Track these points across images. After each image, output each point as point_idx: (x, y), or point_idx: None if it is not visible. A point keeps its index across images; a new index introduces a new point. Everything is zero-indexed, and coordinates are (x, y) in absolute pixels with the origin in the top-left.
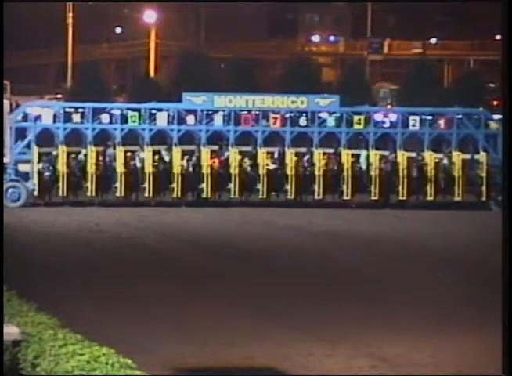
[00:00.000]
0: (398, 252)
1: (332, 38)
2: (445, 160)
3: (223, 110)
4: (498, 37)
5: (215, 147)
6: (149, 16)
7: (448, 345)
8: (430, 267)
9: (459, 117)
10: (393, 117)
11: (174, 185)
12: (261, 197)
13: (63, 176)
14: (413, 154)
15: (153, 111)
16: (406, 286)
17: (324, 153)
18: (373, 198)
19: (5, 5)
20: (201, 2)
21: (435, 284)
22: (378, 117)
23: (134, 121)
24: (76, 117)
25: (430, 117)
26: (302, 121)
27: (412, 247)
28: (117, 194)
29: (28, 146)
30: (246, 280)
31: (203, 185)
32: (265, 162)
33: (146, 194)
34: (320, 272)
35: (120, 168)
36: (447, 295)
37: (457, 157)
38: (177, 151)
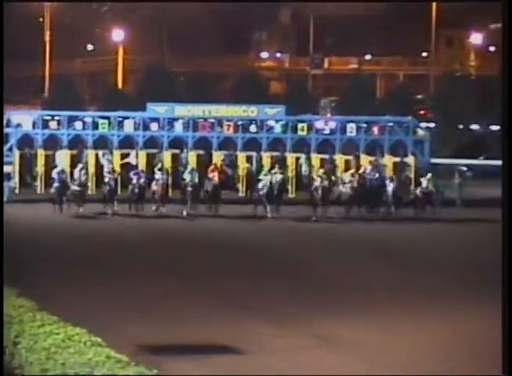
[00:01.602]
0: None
1: (278, 55)
2: (379, 163)
3: (183, 118)
4: (424, 54)
5: (176, 151)
6: (117, 34)
7: (382, 325)
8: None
9: (391, 124)
10: (332, 124)
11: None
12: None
13: (41, 176)
14: (350, 157)
15: (121, 119)
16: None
17: (271, 157)
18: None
19: None
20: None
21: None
22: (319, 124)
23: (104, 128)
24: (53, 124)
25: (365, 125)
26: (252, 128)
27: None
28: (89, 192)
29: (10, 149)
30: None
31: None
32: (219, 164)
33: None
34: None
35: (91, 168)
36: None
37: (389, 160)
38: (142, 154)
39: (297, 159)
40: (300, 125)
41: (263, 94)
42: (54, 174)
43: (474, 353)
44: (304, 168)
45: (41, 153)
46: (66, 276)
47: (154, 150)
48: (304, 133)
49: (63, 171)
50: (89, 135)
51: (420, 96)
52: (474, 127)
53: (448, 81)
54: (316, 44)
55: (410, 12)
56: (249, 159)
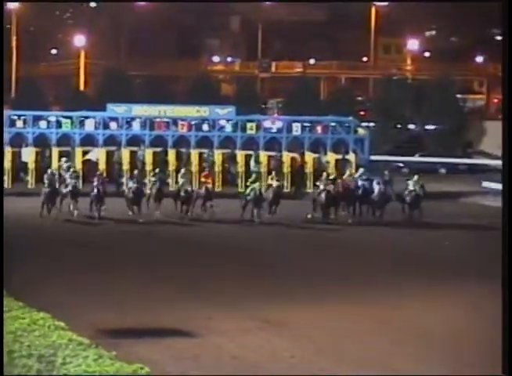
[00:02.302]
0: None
1: (229, 59)
2: (322, 160)
3: (140, 118)
4: (364, 59)
5: (134, 148)
6: (79, 40)
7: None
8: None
9: (333, 124)
10: (279, 124)
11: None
12: (171, 189)
13: (7, 171)
14: (296, 154)
15: (83, 118)
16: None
17: (223, 154)
18: None
19: None
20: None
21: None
22: (267, 123)
23: (67, 127)
24: (19, 123)
25: (309, 124)
26: (205, 127)
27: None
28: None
29: None
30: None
31: (124, 179)
32: (173, 160)
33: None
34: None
35: (54, 164)
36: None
37: (331, 157)
38: (102, 152)
39: (247, 156)
40: (249, 125)
41: (215, 95)
42: (45, 178)
43: (421, 341)
44: (253, 165)
45: (7, 150)
46: (32, 265)
47: (113, 148)
48: (253, 132)
49: (52, 174)
50: (53, 134)
51: (360, 98)
52: (411, 126)
53: (386, 84)
54: (264, 49)
55: (351, 20)
56: (201, 156)
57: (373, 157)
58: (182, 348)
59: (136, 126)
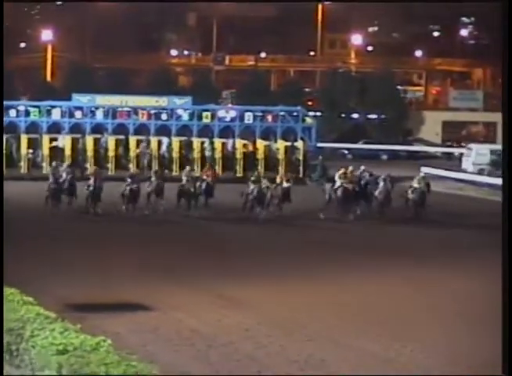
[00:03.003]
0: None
1: (186, 53)
2: (273, 147)
3: (103, 107)
4: (311, 53)
5: (98, 136)
6: (46, 34)
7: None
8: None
9: (283, 113)
10: (232, 113)
11: (66, 163)
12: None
13: None
14: (248, 142)
15: (50, 107)
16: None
17: (180, 141)
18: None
19: None
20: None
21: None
22: (221, 113)
23: (35, 115)
24: None
25: (260, 114)
26: (163, 116)
27: None
28: (22, 171)
29: None
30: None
31: (88, 164)
32: (134, 147)
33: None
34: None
35: (23, 151)
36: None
37: (281, 144)
38: (68, 139)
39: (202, 143)
40: (204, 114)
41: (173, 87)
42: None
43: (369, 317)
44: (208, 151)
45: None
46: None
47: (78, 135)
48: (208, 121)
49: (56, 168)
50: (22, 122)
51: (307, 89)
52: (355, 116)
53: (332, 77)
54: (219, 44)
55: (299, 17)
56: (160, 143)
57: (320, 144)
58: (143, 322)
59: (100, 115)
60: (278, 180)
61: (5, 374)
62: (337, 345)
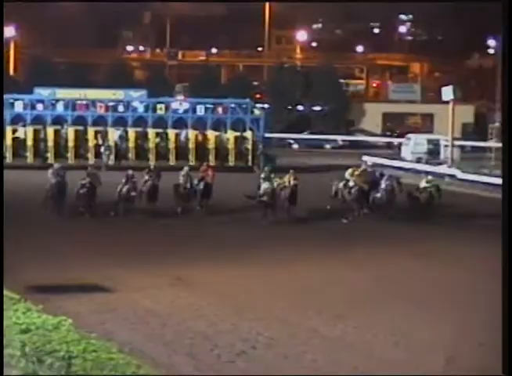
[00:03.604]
0: None
1: (141, 48)
2: (223, 137)
3: (63, 100)
4: (259, 48)
5: (58, 127)
6: (9, 31)
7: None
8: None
9: (232, 105)
10: (185, 105)
11: (28, 153)
12: (90, 162)
13: None
14: (199, 132)
15: (13, 100)
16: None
17: (136, 132)
18: (171, 164)
19: None
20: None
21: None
22: (175, 105)
23: None
24: None
25: (211, 106)
26: (120, 108)
27: None
28: None
29: None
30: None
31: (49, 154)
32: (93, 138)
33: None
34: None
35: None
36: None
37: (231, 134)
38: (30, 130)
39: (157, 134)
40: (159, 106)
41: (129, 80)
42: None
43: (307, 295)
44: (164, 141)
45: None
46: None
47: (40, 127)
48: (163, 112)
49: (62, 169)
50: None
51: (255, 83)
52: (300, 108)
53: (278, 71)
54: (172, 40)
55: (248, 15)
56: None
57: (268, 135)
58: (102, 302)
59: (60, 107)
60: (286, 179)
61: None
62: (285, 324)
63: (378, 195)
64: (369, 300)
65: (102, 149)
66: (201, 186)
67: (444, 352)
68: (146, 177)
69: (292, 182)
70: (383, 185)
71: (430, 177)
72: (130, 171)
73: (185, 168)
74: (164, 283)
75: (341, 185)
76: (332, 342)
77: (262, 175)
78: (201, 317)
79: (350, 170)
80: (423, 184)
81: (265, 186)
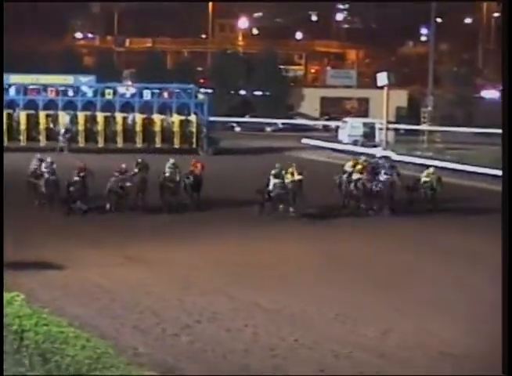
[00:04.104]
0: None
1: (90, 36)
2: (168, 120)
3: (15, 85)
4: (203, 36)
5: (10, 111)
6: None
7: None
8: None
9: (178, 90)
10: (132, 90)
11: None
12: (41, 144)
13: None
14: (146, 116)
15: None
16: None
17: (85, 115)
18: (119, 146)
19: None
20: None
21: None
22: (122, 90)
23: None
24: None
25: (157, 91)
26: (70, 93)
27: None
28: None
29: None
30: None
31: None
32: (43, 121)
33: None
34: None
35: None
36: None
37: (176, 118)
38: None
39: (105, 117)
40: (107, 91)
41: (78, 66)
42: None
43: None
44: (112, 124)
45: None
46: None
47: None
48: (111, 97)
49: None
50: None
51: (200, 69)
52: (242, 92)
53: (222, 57)
54: (120, 27)
55: (193, 3)
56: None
57: (212, 118)
58: (55, 279)
59: (12, 92)
60: (289, 174)
61: None
62: (230, 300)
63: (378, 187)
64: (316, 277)
65: (62, 131)
66: (191, 179)
67: (381, 326)
68: (135, 170)
69: (297, 178)
70: (382, 177)
71: (431, 169)
72: (123, 165)
73: (171, 160)
74: (114, 262)
75: (344, 177)
76: (273, 316)
77: (273, 172)
78: (148, 293)
79: (351, 162)
80: (425, 178)
81: (275, 181)
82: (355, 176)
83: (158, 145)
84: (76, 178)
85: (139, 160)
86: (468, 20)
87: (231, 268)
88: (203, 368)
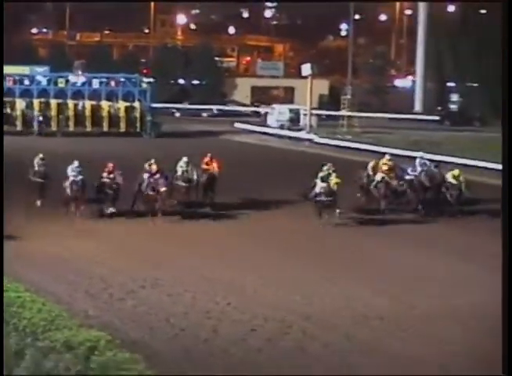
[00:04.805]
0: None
1: (45, 30)
2: (115, 106)
3: None
4: (146, 31)
5: None
6: None
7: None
8: None
9: (123, 80)
10: (83, 79)
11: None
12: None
13: None
14: (95, 102)
15: None
16: None
17: (40, 102)
18: (71, 129)
19: None
20: None
21: None
22: (73, 79)
23: None
24: None
25: (105, 80)
26: (26, 82)
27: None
28: None
29: None
30: None
31: None
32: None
33: None
34: None
35: None
36: None
37: (122, 104)
38: None
39: (58, 104)
40: (60, 80)
41: (34, 57)
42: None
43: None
44: (64, 110)
45: None
46: None
47: None
48: (63, 86)
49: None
50: None
51: (143, 60)
52: (181, 81)
53: (163, 50)
54: (71, 23)
55: (137, 1)
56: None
57: (154, 105)
58: (13, 249)
59: None
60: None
61: None
62: (172, 267)
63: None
64: (255, 252)
65: (38, 117)
66: (205, 178)
67: (302, 292)
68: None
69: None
70: (408, 177)
71: (457, 171)
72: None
73: (184, 159)
74: (69, 234)
75: (365, 179)
76: (211, 283)
77: (320, 174)
78: (99, 262)
79: (372, 163)
80: (449, 179)
81: (322, 185)
82: (378, 177)
83: (106, 129)
84: (106, 180)
85: (152, 161)
86: (383, 17)
87: (176, 239)
88: (146, 330)
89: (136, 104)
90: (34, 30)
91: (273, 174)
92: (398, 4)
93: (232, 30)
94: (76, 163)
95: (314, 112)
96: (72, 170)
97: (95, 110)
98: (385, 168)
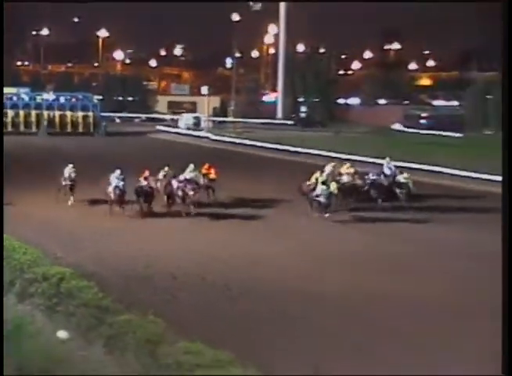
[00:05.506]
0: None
1: (26, 63)
2: (76, 115)
3: None
4: (96, 64)
5: None
6: None
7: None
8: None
9: (81, 97)
10: (53, 96)
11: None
12: (9, 130)
13: None
14: (62, 112)
15: None
16: None
17: (24, 113)
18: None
19: None
20: None
21: None
22: (47, 96)
23: None
24: None
25: (69, 97)
26: (14, 98)
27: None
28: None
29: None
30: None
31: None
32: None
33: None
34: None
35: None
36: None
37: (80, 114)
38: None
39: (37, 114)
40: (38, 97)
41: (19, 81)
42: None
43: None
44: (41, 118)
45: None
46: None
47: None
48: (40, 101)
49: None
50: None
51: (94, 84)
52: (120, 98)
53: (108, 77)
54: (44, 58)
55: (90, 42)
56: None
57: (102, 114)
58: (9, 215)
59: None
60: (343, 171)
61: None
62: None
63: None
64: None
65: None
66: (207, 181)
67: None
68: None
69: (349, 179)
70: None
71: (405, 174)
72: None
73: (191, 166)
74: (58, 206)
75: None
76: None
77: (321, 179)
78: (70, 221)
79: (329, 166)
80: (401, 179)
81: (322, 187)
82: (345, 179)
83: (69, 130)
84: (144, 183)
85: (166, 169)
86: (255, 54)
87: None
88: (102, 267)
89: (90, 114)
90: (19, 63)
91: (181, 156)
92: (265, 46)
93: (153, 63)
94: (118, 171)
95: (210, 118)
96: (116, 177)
97: (62, 117)
98: (351, 170)
